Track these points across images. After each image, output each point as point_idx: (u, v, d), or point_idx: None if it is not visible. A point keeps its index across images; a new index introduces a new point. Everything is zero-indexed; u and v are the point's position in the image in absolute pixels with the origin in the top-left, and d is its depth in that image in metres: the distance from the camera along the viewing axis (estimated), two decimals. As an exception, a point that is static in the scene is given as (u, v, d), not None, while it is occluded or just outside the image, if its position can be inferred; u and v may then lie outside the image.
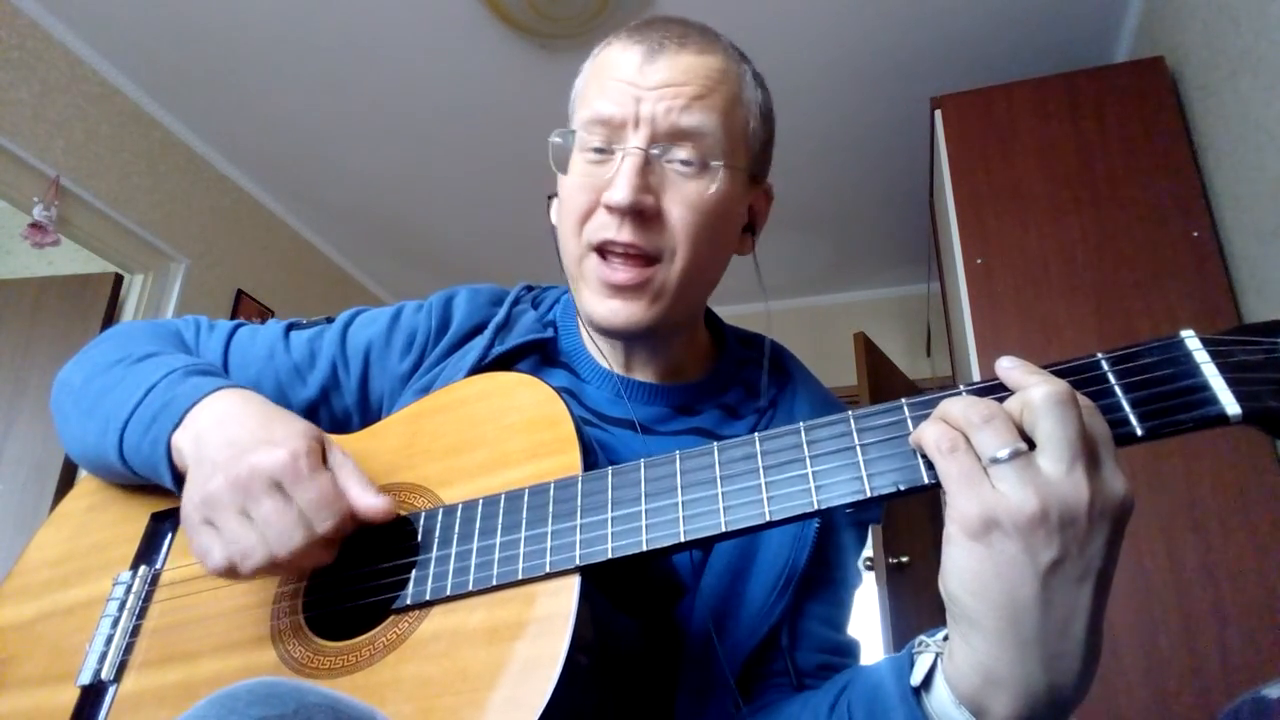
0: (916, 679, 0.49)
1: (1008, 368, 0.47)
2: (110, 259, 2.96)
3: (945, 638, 0.48)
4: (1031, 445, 0.43)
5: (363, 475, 0.61)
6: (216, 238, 3.34)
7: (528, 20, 2.55)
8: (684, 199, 0.69)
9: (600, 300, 0.70)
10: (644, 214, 0.68)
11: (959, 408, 0.45)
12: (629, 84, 0.69)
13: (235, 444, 0.60)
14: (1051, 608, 0.42)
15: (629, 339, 0.74)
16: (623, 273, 0.69)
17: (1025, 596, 0.42)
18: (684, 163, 0.69)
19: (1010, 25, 2.62)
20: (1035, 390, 0.43)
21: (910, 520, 3.26)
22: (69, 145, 2.72)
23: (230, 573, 0.57)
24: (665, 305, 0.70)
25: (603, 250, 0.70)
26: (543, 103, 2.99)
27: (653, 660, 0.65)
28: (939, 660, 0.48)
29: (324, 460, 0.61)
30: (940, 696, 0.48)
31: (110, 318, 2.92)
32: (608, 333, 0.72)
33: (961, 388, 0.49)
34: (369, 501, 0.59)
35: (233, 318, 3.36)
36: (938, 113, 2.24)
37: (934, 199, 2.58)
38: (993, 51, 2.71)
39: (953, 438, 0.44)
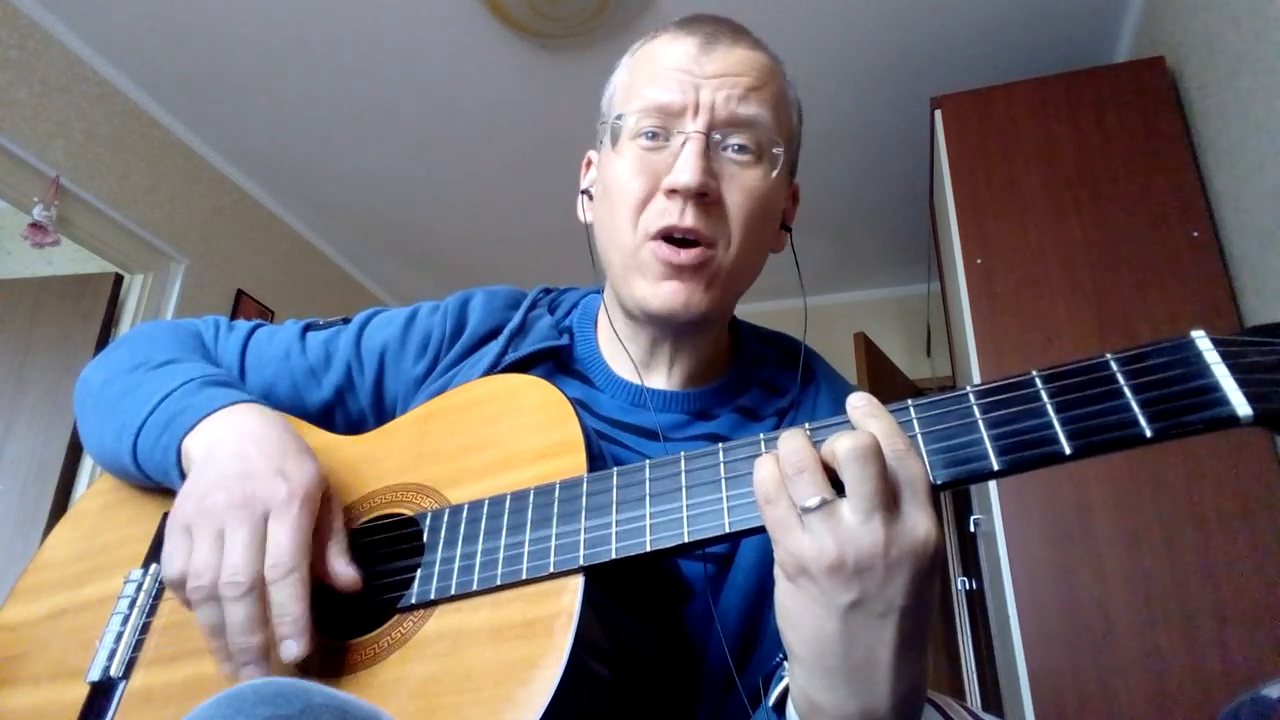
0: (771, 700, 0.53)
1: (853, 406, 0.49)
2: (110, 259, 2.96)
3: None
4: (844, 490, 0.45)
5: (345, 545, 0.60)
6: (216, 238, 3.34)
7: (528, 20, 2.55)
8: (741, 186, 0.69)
9: (658, 284, 0.69)
10: (708, 197, 0.68)
11: (782, 452, 0.47)
12: (685, 72, 0.69)
13: (247, 461, 0.60)
14: (854, 642, 0.45)
15: (678, 329, 0.73)
16: (686, 254, 0.68)
17: (829, 632, 0.45)
18: (739, 149, 0.69)
19: (1010, 25, 2.62)
20: (841, 442, 0.45)
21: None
22: (69, 145, 2.72)
23: (177, 588, 0.57)
24: (718, 293, 0.71)
25: (665, 235, 0.69)
26: (543, 103, 2.99)
27: (665, 668, 0.65)
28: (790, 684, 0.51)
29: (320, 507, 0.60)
30: (791, 716, 0.51)
31: (110, 318, 2.92)
32: (662, 320, 0.71)
33: (806, 425, 0.50)
34: (341, 568, 0.58)
35: (233, 318, 3.35)
36: (938, 113, 2.24)
37: (934, 199, 2.59)
38: (993, 51, 2.71)
39: (770, 491, 0.47)
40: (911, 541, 0.44)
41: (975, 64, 2.75)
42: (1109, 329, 1.86)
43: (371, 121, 3.13)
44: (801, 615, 0.46)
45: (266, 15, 2.63)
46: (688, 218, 0.67)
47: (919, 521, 0.45)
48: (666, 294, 0.69)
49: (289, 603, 0.54)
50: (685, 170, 0.66)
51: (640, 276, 0.70)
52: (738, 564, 0.67)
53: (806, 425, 0.50)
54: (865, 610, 0.44)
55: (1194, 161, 1.98)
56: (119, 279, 2.98)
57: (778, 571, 0.47)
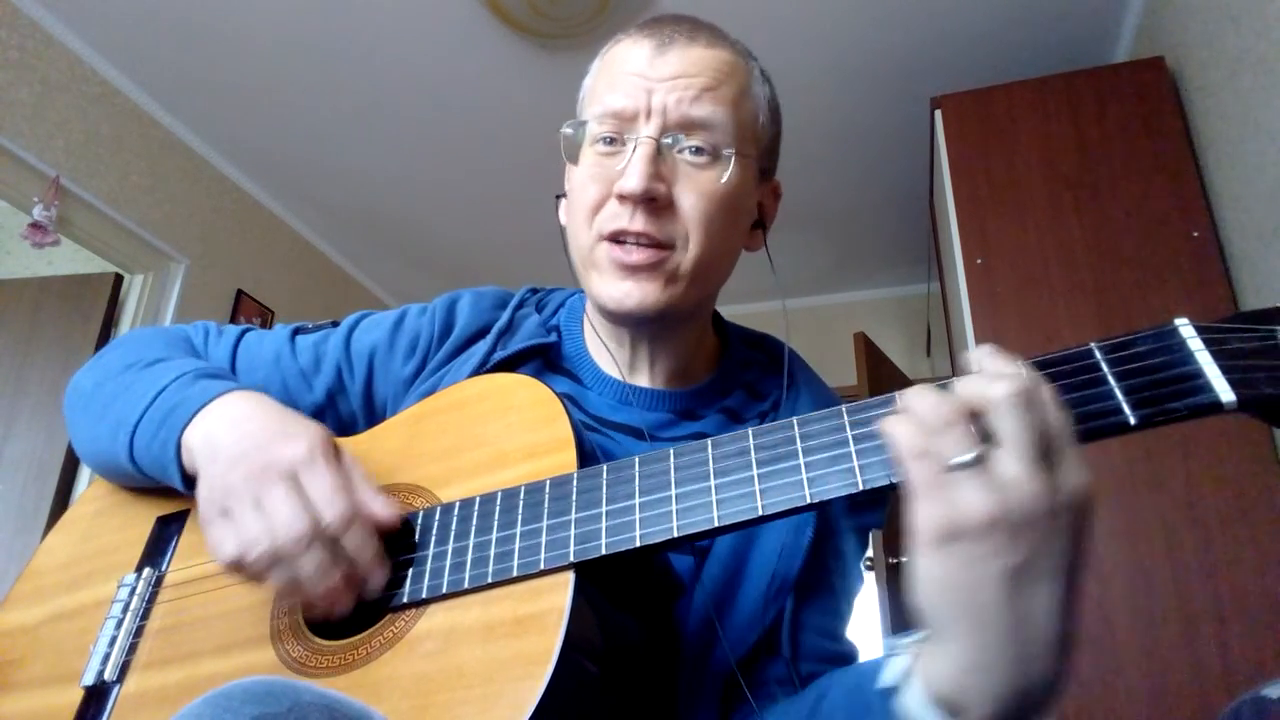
0: (889, 681, 0.49)
1: (988, 356, 0.46)
2: (110, 259, 2.96)
3: (920, 640, 0.48)
4: (989, 437, 0.43)
5: (371, 481, 0.61)
6: (216, 238, 3.34)
7: (528, 20, 2.55)
8: (695, 187, 0.69)
9: (613, 283, 0.70)
10: (656, 202, 0.68)
11: (924, 407, 0.44)
12: (639, 76, 0.70)
13: (252, 437, 0.61)
14: (1019, 609, 0.42)
15: (639, 325, 0.74)
16: (637, 254, 0.68)
17: (992, 601, 0.42)
18: (695, 151, 0.69)
19: (1010, 25, 2.62)
20: (999, 386, 0.42)
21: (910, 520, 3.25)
22: (69, 145, 2.72)
23: (238, 566, 0.57)
24: (679, 290, 0.70)
25: (615, 238, 0.69)
26: (543, 103, 2.99)
27: (654, 661, 0.65)
28: (913, 663, 0.48)
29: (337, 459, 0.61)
30: (915, 698, 0.48)
31: (110, 318, 2.92)
32: (620, 317, 0.72)
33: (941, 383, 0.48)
34: (377, 505, 0.59)
35: (233, 318, 3.37)
36: (938, 113, 2.24)
37: (934, 199, 2.58)
38: (993, 51, 2.71)
39: (921, 444, 0.44)
40: (1073, 494, 0.42)
41: (975, 64, 2.74)
42: (1109, 329, 1.85)
43: (371, 121, 3.13)
44: (957, 584, 0.42)
45: (266, 15, 2.63)
46: (637, 221, 0.68)
47: (1077, 472, 0.42)
48: (621, 294, 0.69)
49: (363, 545, 0.57)
50: (631, 177, 0.66)
51: (597, 274, 0.71)
52: (714, 555, 0.68)
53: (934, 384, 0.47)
54: (1027, 572, 0.41)
55: (1194, 161, 1.98)
56: (119, 279, 2.98)
57: (921, 540, 0.43)
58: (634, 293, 0.69)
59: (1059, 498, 0.41)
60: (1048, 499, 0.41)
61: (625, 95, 0.69)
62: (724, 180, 0.69)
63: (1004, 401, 0.42)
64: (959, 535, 0.41)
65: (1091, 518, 0.43)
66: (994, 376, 0.44)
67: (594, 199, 0.70)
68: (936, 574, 0.43)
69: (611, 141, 0.70)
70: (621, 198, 0.68)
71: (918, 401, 0.45)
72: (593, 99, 0.74)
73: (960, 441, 0.42)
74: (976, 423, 0.43)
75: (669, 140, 0.69)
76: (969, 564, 0.42)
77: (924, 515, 0.43)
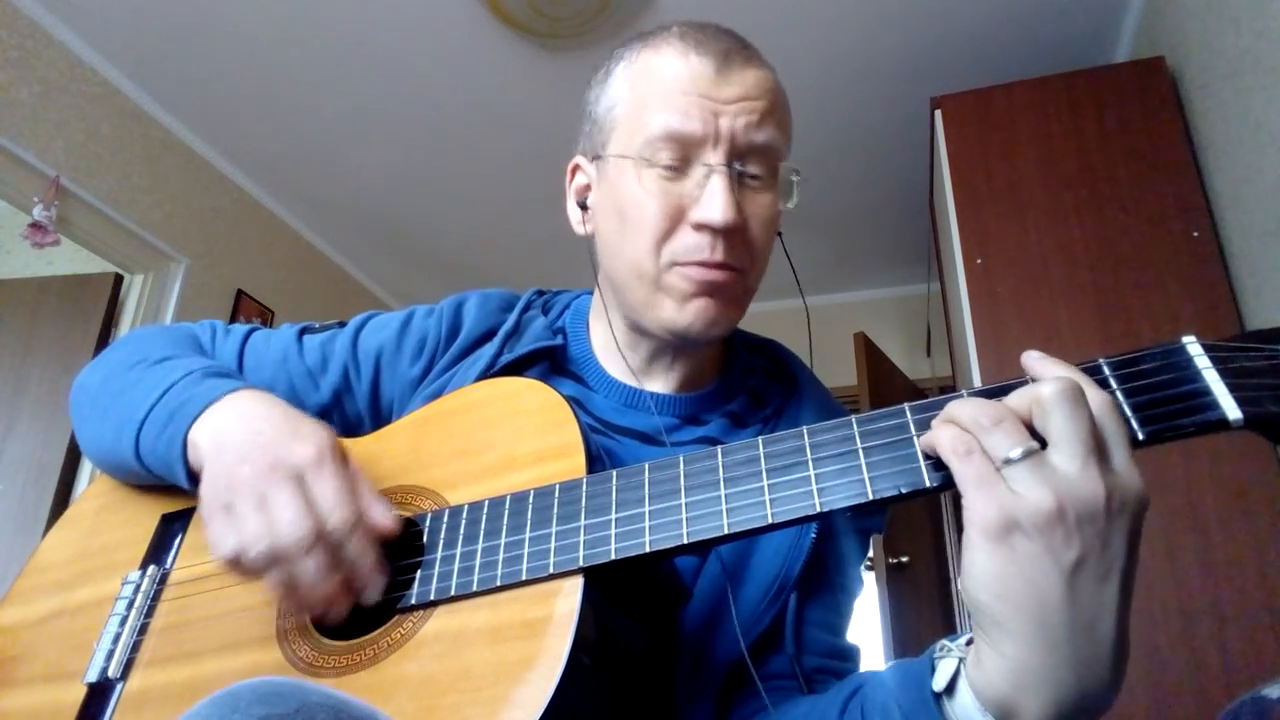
0: (939, 684, 0.48)
1: (1035, 359, 0.47)
2: (110, 259, 2.96)
3: (968, 642, 0.48)
4: (1044, 443, 0.43)
5: (374, 489, 0.61)
6: (216, 238, 3.34)
7: (528, 20, 2.55)
8: (758, 214, 0.69)
9: (687, 303, 0.68)
10: (738, 233, 0.68)
11: (968, 411, 0.45)
12: (705, 98, 0.67)
13: (262, 435, 0.61)
14: (1078, 608, 0.41)
15: (690, 343, 0.73)
16: (717, 274, 0.67)
17: (1051, 598, 0.41)
18: (755, 177, 0.69)
19: (1010, 25, 2.62)
20: (1045, 387, 0.43)
21: (910, 521, 3.26)
22: (69, 145, 2.72)
23: (236, 563, 0.57)
24: (739, 311, 0.72)
25: (693, 264, 0.68)
26: (543, 103, 2.99)
27: (657, 664, 0.66)
28: (963, 665, 0.48)
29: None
30: (964, 702, 0.47)
31: (110, 318, 2.92)
32: (691, 338, 0.70)
33: (969, 388, 0.49)
34: (379, 513, 0.59)
35: (233, 318, 3.37)
36: (938, 113, 2.24)
37: (934, 199, 2.59)
38: (993, 51, 2.71)
39: (967, 441, 0.44)
40: (1131, 491, 0.42)
41: (975, 64, 2.74)
42: (1109, 329, 1.86)
43: (371, 121, 3.13)
44: (1016, 581, 0.41)
45: (266, 15, 2.63)
46: (719, 252, 0.66)
47: (1133, 471, 0.42)
48: (694, 311, 0.68)
49: (364, 552, 0.57)
50: (716, 209, 0.65)
51: (667, 298, 0.69)
52: (713, 555, 0.68)
53: (965, 391, 0.48)
54: (1088, 570, 0.41)
55: (1194, 161, 1.98)
56: (119, 279, 2.98)
57: (974, 536, 0.43)
58: (709, 310, 0.69)
59: (1116, 497, 0.42)
60: (1104, 497, 0.41)
61: (691, 118, 0.66)
62: (780, 204, 0.71)
63: (1052, 399, 0.42)
64: (1016, 527, 0.41)
65: (1142, 522, 0.43)
66: (1044, 373, 0.45)
67: (661, 225, 0.68)
68: (995, 570, 0.42)
69: (673, 167, 0.68)
70: (701, 226, 0.66)
71: (961, 407, 0.45)
72: (641, 115, 0.69)
73: (1011, 436, 0.43)
74: (1027, 425, 0.44)
75: (737, 166, 0.68)
76: (1028, 560, 0.41)
77: (979, 509, 0.42)
